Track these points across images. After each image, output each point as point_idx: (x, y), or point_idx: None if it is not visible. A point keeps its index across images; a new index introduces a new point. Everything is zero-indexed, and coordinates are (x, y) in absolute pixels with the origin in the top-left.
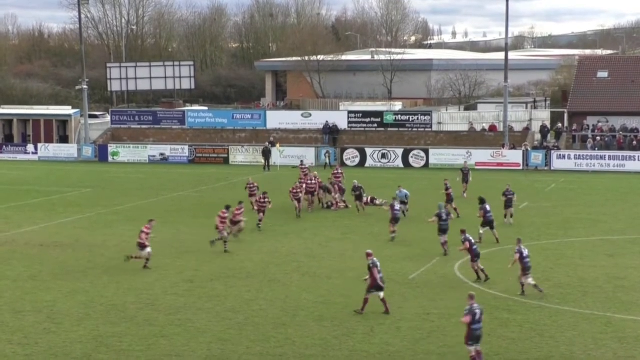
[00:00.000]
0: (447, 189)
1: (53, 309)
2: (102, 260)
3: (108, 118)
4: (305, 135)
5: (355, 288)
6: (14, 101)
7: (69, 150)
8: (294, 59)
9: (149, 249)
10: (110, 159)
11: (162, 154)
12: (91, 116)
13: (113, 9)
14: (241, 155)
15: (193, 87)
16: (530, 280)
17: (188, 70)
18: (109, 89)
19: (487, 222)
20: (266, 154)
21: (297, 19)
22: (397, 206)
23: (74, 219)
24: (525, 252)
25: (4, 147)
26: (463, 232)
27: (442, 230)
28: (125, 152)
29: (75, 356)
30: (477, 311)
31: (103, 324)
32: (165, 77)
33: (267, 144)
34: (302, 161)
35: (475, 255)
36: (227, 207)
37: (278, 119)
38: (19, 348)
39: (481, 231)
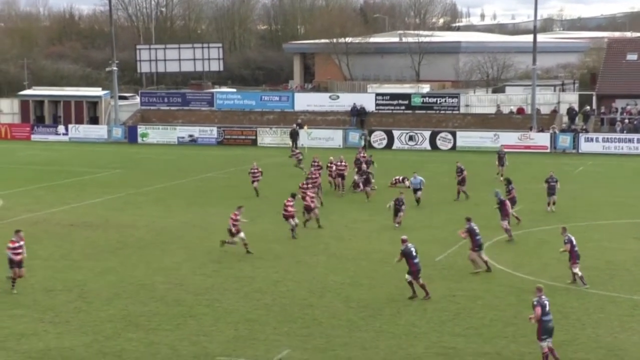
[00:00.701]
0: (460, 172)
1: (84, 288)
2: (132, 240)
3: (137, 99)
4: (333, 117)
5: (381, 270)
6: (45, 82)
7: (99, 131)
8: (322, 41)
9: (241, 234)
10: (139, 140)
11: (190, 136)
12: (121, 97)
13: None
14: (269, 137)
15: (221, 69)
16: (577, 270)
17: (217, 52)
18: (139, 71)
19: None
20: (294, 136)
21: (325, 1)
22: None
23: (104, 200)
24: (574, 240)
25: (36, 127)
26: (468, 220)
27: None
28: (154, 134)
29: (106, 334)
30: (546, 302)
31: (132, 303)
32: (194, 59)
33: (294, 125)
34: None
35: (476, 245)
36: (239, 208)
37: (306, 101)
38: (50, 326)
39: (513, 212)
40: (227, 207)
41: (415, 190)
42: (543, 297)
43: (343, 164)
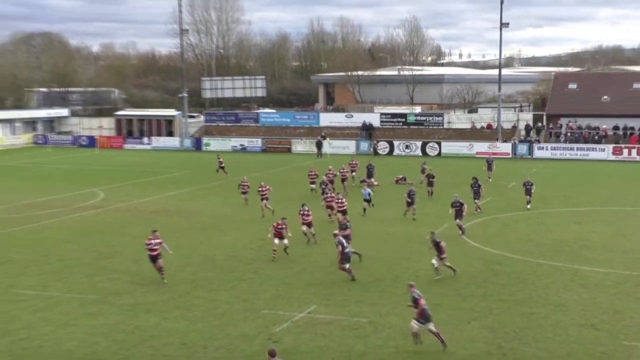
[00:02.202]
0: (429, 175)
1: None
2: (198, 224)
3: (202, 118)
4: (348, 131)
5: (385, 247)
6: (134, 106)
7: (173, 142)
8: (340, 74)
9: (285, 241)
10: (203, 148)
11: (242, 145)
12: (190, 116)
13: (206, 37)
14: (300, 146)
15: (264, 95)
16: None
17: (261, 83)
18: (203, 96)
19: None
20: (319, 145)
21: (342, 44)
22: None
23: (178, 193)
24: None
25: (127, 139)
26: (432, 233)
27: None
28: (214, 143)
29: (179, 293)
30: (419, 295)
31: (199, 271)
32: (244, 88)
33: (319, 137)
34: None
35: (441, 253)
36: (283, 219)
37: (328, 119)
38: (138, 287)
39: (478, 202)
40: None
41: (365, 200)
42: (416, 290)
43: (349, 167)
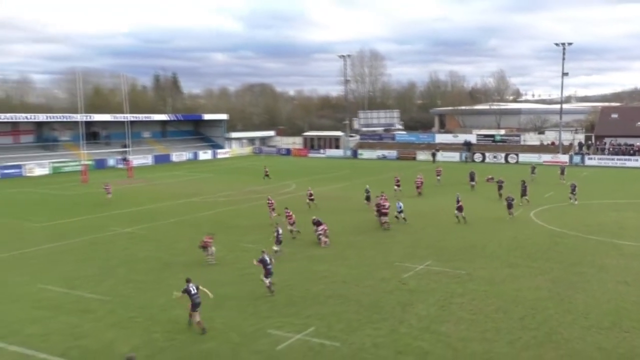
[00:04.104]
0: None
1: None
2: (353, 205)
3: (357, 137)
4: (454, 146)
5: (475, 226)
6: (314, 129)
7: (339, 152)
8: (449, 108)
9: (386, 218)
10: (358, 156)
11: (383, 155)
12: (350, 136)
13: (361, 85)
14: (422, 155)
15: (399, 123)
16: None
17: (397, 114)
18: (359, 124)
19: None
20: (434, 155)
21: (451, 88)
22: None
23: (341, 185)
24: (267, 259)
25: (310, 151)
26: (263, 252)
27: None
28: (366, 154)
29: (341, 250)
30: (192, 288)
31: (352, 235)
32: (385, 117)
33: (434, 150)
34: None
35: (268, 273)
36: (317, 222)
37: (440, 138)
38: (314, 246)
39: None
40: (400, 191)
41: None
42: (191, 285)
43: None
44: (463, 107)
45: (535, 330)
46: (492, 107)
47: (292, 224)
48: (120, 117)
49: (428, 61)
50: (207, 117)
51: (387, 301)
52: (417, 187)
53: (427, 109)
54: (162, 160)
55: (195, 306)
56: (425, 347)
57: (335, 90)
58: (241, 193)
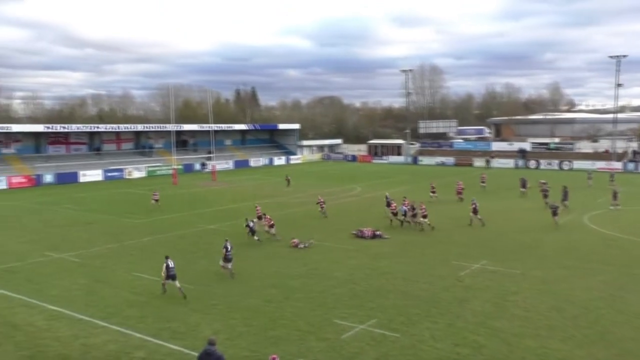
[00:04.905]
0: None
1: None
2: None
3: (418, 144)
4: (510, 153)
5: (528, 227)
6: (378, 137)
7: (400, 159)
8: (504, 117)
9: (426, 220)
10: (418, 162)
11: (442, 161)
12: (410, 144)
13: (422, 97)
14: (478, 162)
15: (456, 130)
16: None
17: (455, 124)
18: (419, 132)
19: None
20: (488, 162)
21: (507, 99)
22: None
23: (402, 189)
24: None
25: (373, 157)
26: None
27: (227, 259)
28: (425, 160)
29: (402, 248)
30: (171, 263)
31: (413, 235)
32: (444, 127)
33: (488, 157)
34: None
35: (227, 260)
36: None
37: (496, 146)
38: (377, 243)
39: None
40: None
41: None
42: (170, 260)
43: (460, 186)
44: (518, 117)
45: (588, 329)
46: (547, 116)
47: (271, 227)
48: (205, 126)
49: (484, 74)
50: (281, 126)
51: (444, 297)
52: (458, 193)
53: (484, 119)
54: (241, 165)
55: (171, 277)
56: (481, 341)
57: (397, 102)
58: (309, 195)
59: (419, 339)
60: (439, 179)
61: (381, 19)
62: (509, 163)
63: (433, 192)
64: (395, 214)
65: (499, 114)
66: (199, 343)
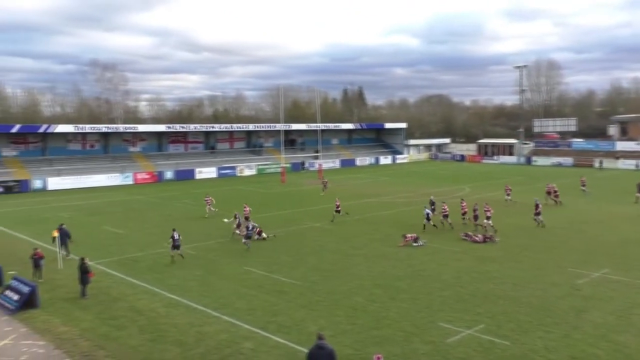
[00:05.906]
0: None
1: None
2: (526, 210)
3: (532, 144)
4: (637, 154)
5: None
6: (489, 137)
7: (512, 159)
8: (633, 115)
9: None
10: (532, 163)
11: (558, 162)
12: (524, 143)
13: (537, 94)
14: (596, 163)
15: (576, 127)
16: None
17: (573, 122)
18: (533, 131)
19: None
20: (601, 163)
21: (636, 95)
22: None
23: (514, 190)
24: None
25: (484, 157)
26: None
27: (175, 246)
28: (540, 160)
29: (512, 252)
30: (176, 235)
31: (525, 238)
32: (561, 125)
33: (600, 159)
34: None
35: (175, 247)
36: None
37: (621, 146)
38: (483, 245)
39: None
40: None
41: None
42: (176, 233)
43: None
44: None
45: None
46: None
47: (258, 234)
48: (313, 126)
49: (608, 68)
50: (388, 125)
51: (559, 306)
52: (549, 193)
53: (607, 117)
54: (347, 164)
55: (176, 247)
56: (602, 355)
57: (509, 99)
58: (418, 195)
59: (530, 349)
60: (557, 180)
61: (493, 14)
62: (638, 164)
63: (508, 195)
64: (446, 216)
65: (626, 111)
66: (304, 338)
